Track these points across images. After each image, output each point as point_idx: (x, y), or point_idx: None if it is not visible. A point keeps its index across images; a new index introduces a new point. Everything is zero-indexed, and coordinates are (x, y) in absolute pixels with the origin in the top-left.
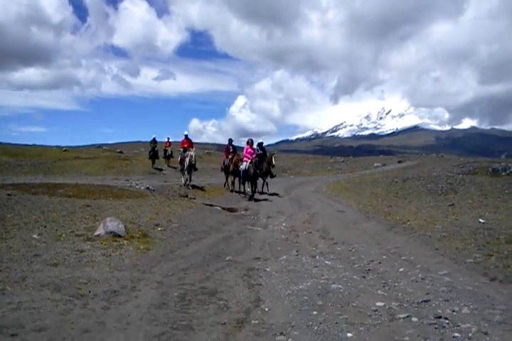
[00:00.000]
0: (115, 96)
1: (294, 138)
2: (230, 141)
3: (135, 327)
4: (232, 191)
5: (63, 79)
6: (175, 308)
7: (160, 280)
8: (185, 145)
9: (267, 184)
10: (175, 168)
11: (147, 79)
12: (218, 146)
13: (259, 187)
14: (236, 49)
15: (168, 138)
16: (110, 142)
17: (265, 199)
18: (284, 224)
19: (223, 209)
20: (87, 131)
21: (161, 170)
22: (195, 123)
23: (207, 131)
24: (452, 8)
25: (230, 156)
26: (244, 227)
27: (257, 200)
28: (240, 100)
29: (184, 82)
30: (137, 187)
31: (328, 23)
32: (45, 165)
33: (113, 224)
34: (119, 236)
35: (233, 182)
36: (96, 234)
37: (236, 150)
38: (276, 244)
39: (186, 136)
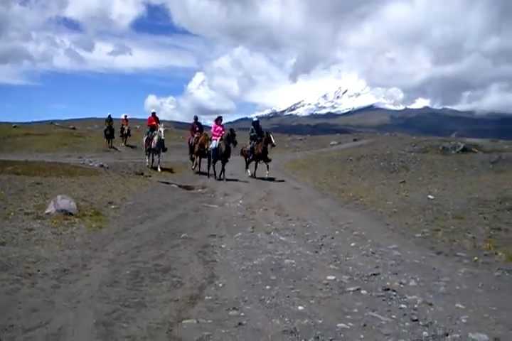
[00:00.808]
0: (68, 71)
1: (253, 116)
2: (196, 118)
3: (85, 305)
4: (197, 172)
5: (12, 53)
6: (127, 286)
7: (112, 258)
8: (153, 123)
9: (267, 167)
10: (132, 146)
11: (102, 54)
12: (176, 124)
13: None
14: (194, 24)
15: (126, 116)
16: (63, 118)
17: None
18: (240, 202)
19: (180, 186)
20: (39, 107)
21: (117, 149)
22: (152, 100)
23: (164, 108)
24: None
25: (196, 135)
26: (200, 205)
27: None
28: (199, 77)
29: (141, 57)
30: (90, 164)
31: (288, 0)
32: None
33: (64, 202)
34: (71, 214)
35: (198, 163)
36: (46, 212)
37: (203, 128)
38: (232, 221)
39: (154, 113)
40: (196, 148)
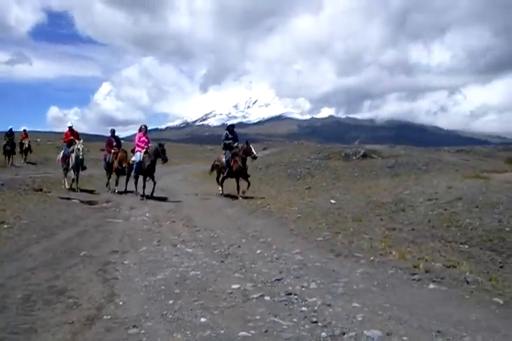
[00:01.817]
0: None
1: (163, 126)
2: (113, 132)
3: None
4: (114, 192)
5: None
6: (16, 311)
7: (2, 283)
8: (71, 138)
9: (248, 185)
10: (33, 163)
11: None
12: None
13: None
14: (100, 33)
15: (25, 130)
16: None
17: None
18: (147, 215)
19: (81, 202)
20: None
21: (16, 166)
22: (54, 112)
23: (68, 120)
24: (313, 3)
25: (113, 151)
26: (103, 220)
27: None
28: (105, 87)
29: (41, 67)
30: None
31: (196, 11)
32: None
33: None
34: None
35: (117, 182)
36: None
37: (121, 143)
38: (137, 235)
39: (71, 127)
40: (115, 165)
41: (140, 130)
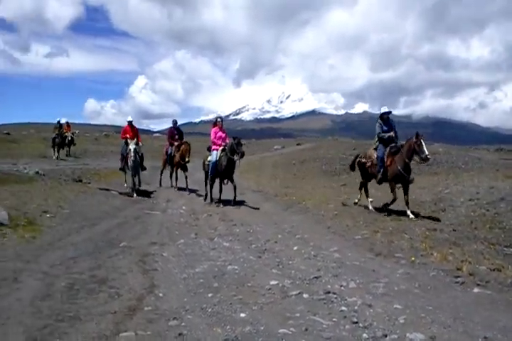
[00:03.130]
0: (1, 74)
1: (197, 120)
2: (175, 123)
3: (15, 321)
4: (176, 188)
5: None
6: (61, 299)
7: (46, 271)
8: (128, 136)
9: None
10: (77, 157)
11: (38, 56)
12: (117, 128)
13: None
14: (135, 27)
15: (67, 122)
16: None
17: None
18: (183, 207)
19: (120, 193)
20: None
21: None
22: (92, 104)
23: (105, 112)
24: None
25: (175, 143)
26: (141, 212)
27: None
28: (141, 80)
29: (79, 60)
30: (25, 171)
31: (230, 5)
32: None
33: None
34: (2, 224)
35: (176, 177)
36: None
37: (183, 135)
38: (175, 227)
39: (130, 122)
40: (176, 159)
41: (215, 124)
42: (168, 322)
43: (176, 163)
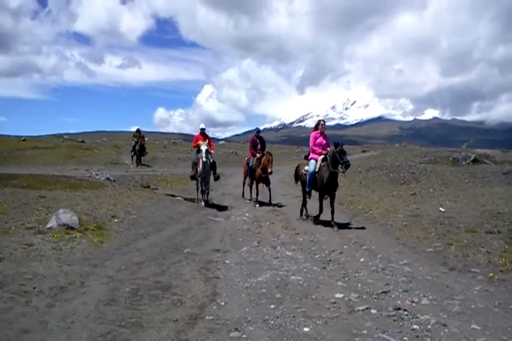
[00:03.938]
0: (78, 84)
1: (261, 127)
2: (258, 131)
3: (79, 325)
4: (254, 203)
5: (23, 67)
6: (125, 305)
7: (111, 275)
8: (199, 143)
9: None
10: (148, 166)
11: (111, 68)
12: (185, 136)
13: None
14: (202, 37)
15: (138, 129)
16: (72, 131)
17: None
18: (246, 215)
19: (185, 199)
20: (49, 121)
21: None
22: (161, 113)
23: (173, 121)
24: (417, 1)
25: (258, 155)
26: (205, 218)
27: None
28: (207, 89)
29: (149, 71)
30: (97, 177)
31: (295, 12)
32: (1, 155)
33: (66, 216)
34: (72, 228)
35: (257, 192)
36: (48, 226)
37: (265, 144)
38: (238, 234)
39: (203, 130)
40: (258, 173)
41: (316, 127)
42: (229, 333)
43: (257, 177)
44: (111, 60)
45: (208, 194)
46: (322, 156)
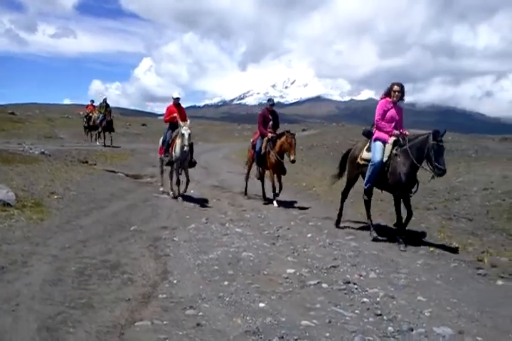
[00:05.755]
0: (8, 53)
1: (201, 104)
2: (272, 103)
3: (25, 307)
4: (265, 201)
5: None
6: (72, 285)
7: (55, 254)
8: (174, 116)
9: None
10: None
11: (45, 36)
12: (122, 110)
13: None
14: (143, 8)
15: (92, 101)
16: (1, 103)
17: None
18: (192, 191)
19: (127, 175)
20: None
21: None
22: (96, 85)
23: (109, 94)
24: None
25: (270, 135)
26: (150, 195)
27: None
28: (146, 62)
29: (85, 41)
30: (31, 151)
31: None
32: None
33: (1, 192)
34: (9, 205)
35: (274, 186)
36: None
37: (278, 121)
38: (185, 211)
39: (177, 100)
40: (272, 160)
41: (388, 93)
42: (184, 311)
43: (271, 165)
44: (44, 28)
45: (187, 184)
46: (393, 138)
